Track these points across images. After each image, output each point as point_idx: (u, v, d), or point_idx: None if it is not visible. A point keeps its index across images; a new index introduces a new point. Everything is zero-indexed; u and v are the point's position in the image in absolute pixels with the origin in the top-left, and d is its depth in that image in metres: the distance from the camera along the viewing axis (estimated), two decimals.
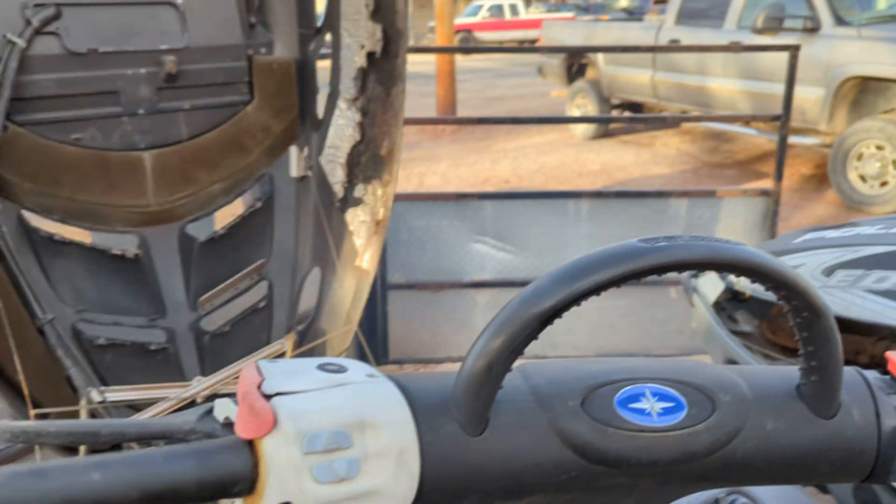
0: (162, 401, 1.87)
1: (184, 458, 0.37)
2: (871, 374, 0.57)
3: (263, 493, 0.38)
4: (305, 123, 2.06)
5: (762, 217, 3.57)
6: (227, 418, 0.41)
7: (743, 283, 2.01)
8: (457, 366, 0.47)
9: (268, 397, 0.39)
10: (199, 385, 1.92)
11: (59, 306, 1.75)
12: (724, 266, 0.46)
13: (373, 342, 3.61)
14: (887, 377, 0.56)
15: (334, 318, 2.09)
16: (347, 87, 1.95)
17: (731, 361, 1.97)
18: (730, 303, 2.24)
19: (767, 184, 3.55)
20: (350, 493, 0.40)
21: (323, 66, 2.07)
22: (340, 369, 0.44)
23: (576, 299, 0.44)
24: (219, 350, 1.98)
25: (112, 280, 1.86)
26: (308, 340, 2.09)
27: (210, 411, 0.42)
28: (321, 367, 0.43)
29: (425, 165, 8.05)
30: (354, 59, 1.87)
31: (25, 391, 1.54)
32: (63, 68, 1.70)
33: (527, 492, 0.48)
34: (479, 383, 0.44)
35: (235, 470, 0.38)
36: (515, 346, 0.44)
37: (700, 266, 0.46)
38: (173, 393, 1.88)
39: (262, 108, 2.01)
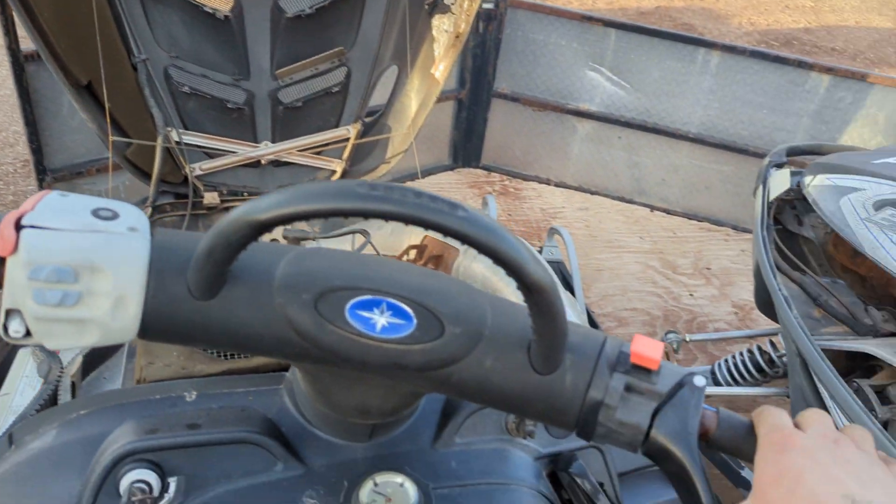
0: (232, 154, 2.09)
1: None
2: (620, 349, 0.62)
3: (2, 296, 0.51)
4: None
5: None
6: None
7: (809, 190, 1.91)
8: None
9: (23, 227, 0.51)
10: (266, 149, 2.12)
11: (154, 49, 1.93)
12: (439, 229, 0.52)
13: (469, 144, 3.70)
14: (627, 355, 0.61)
15: (401, 118, 2.18)
16: None
17: (758, 266, 1.94)
18: (803, 203, 2.15)
19: None
20: (66, 316, 0.52)
21: None
22: (112, 216, 0.55)
23: (286, 221, 0.52)
24: (290, 122, 2.13)
25: (205, 35, 2.00)
26: (372, 133, 2.22)
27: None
28: (95, 212, 0.54)
29: None
30: None
31: (107, 117, 1.77)
32: None
33: (252, 352, 0.60)
34: (203, 262, 0.54)
35: None
36: (232, 243, 0.53)
37: (412, 223, 0.51)
38: (242, 150, 2.09)
39: None
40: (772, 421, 0.59)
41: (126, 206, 0.57)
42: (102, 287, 0.52)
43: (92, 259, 0.52)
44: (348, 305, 0.58)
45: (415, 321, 0.59)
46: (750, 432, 0.61)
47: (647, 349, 0.60)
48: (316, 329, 0.57)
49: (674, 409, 0.60)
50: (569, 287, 2.30)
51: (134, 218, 0.56)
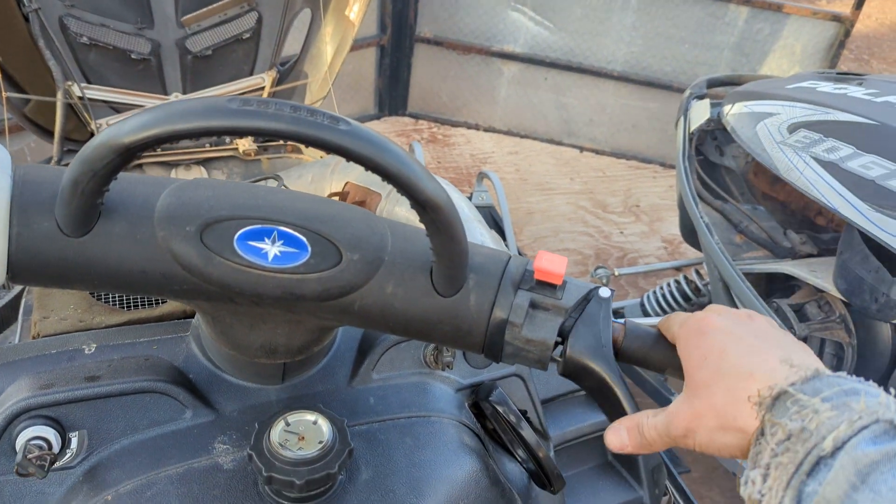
0: (140, 108, 1.99)
1: None
2: (525, 267, 0.61)
3: None
4: None
5: (828, 44, 3.29)
6: None
7: (727, 119, 1.94)
8: None
9: None
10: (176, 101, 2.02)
11: None
12: (320, 145, 0.48)
13: (394, 92, 3.63)
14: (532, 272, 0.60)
15: (317, 64, 2.11)
16: None
17: (682, 196, 1.96)
18: (723, 133, 2.18)
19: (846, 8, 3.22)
20: None
21: None
22: None
23: (155, 143, 0.48)
24: (201, 72, 2.04)
25: None
26: (288, 81, 2.14)
27: None
28: None
29: None
30: None
31: None
32: None
33: (137, 290, 0.56)
34: (70, 195, 0.50)
35: None
36: (98, 171, 0.49)
37: (290, 138, 0.48)
38: (151, 103, 1.99)
39: None
40: (684, 315, 0.59)
41: None
42: None
43: None
44: (236, 236, 0.55)
45: (309, 249, 0.56)
46: (657, 341, 0.61)
47: (551, 265, 0.59)
48: (203, 262, 0.54)
49: (585, 325, 0.60)
50: (500, 231, 2.30)
51: None
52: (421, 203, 0.53)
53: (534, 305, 0.59)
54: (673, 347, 0.60)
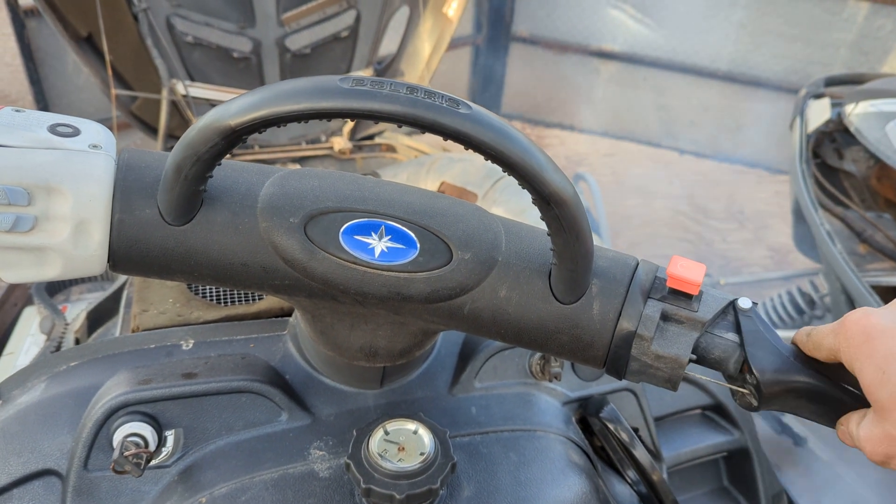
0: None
1: None
2: (656, 274, 0.54)
3: None
4: None
5: None
6: None
7: (850, 119, 1.79)
8: None
9: None
10: None
11: None
12: (436, 129, 0.44)
13: (488, 92, 3.59)
14: (665, 281, 0.54)
15: (414, 62, 2.09)
16: None
17: (798, 202, 1.83)
18: (844, 135, 2.03)
19: None
20: (21, 244, 0.46)
21: None
22: (73, 133, 0.48)
23: (262, 125, 0.44)
24: (299, 70, 2.06)
25: None
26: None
27: None
28: (52, 128, 0.47)
29: None
30: None
31: (108, 69, 1.71)
32: None
33: (237, 284, 0.53)
34: (173, 180, 0.47)
35: None
36: (202, 155, 0.46)
37: (405, 122, 0.44)
38: None
39: None
40: (829, 326, 0.50)
41: (89, 122, 0.50)
42: (61, 210, 0.46)
43: (47, 178, 0.46)
44: (342, 229, 0.51)
45: (418, 246, 0.52)
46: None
47: (686, 272, 0.52)
48: (306, 256, 0.51)
49: (754, 346, 0.52)
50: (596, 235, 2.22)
51: (97, 134, 0.49)
52: (545, 197, 0.47)
53: (666, 317, 0.53)
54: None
